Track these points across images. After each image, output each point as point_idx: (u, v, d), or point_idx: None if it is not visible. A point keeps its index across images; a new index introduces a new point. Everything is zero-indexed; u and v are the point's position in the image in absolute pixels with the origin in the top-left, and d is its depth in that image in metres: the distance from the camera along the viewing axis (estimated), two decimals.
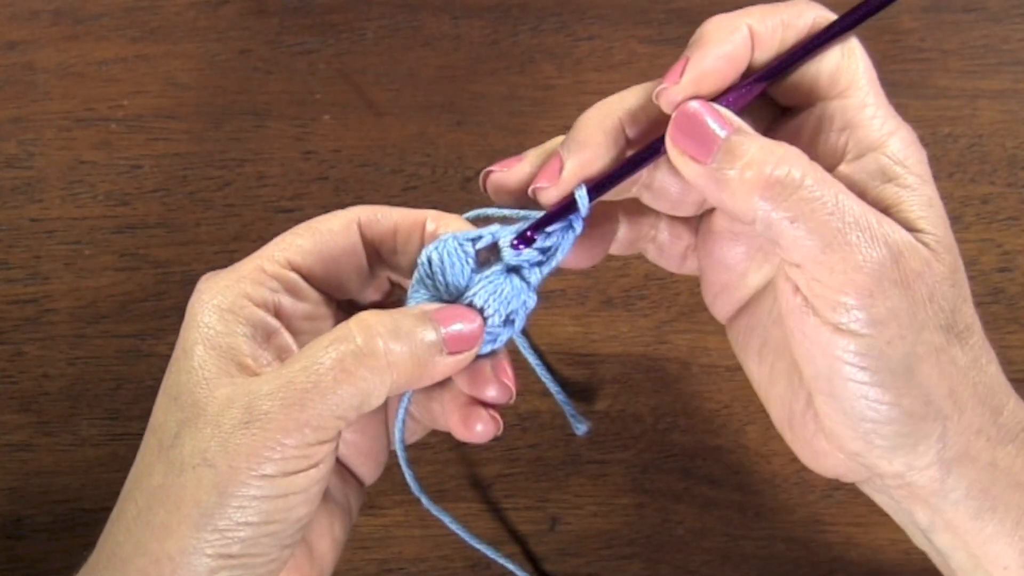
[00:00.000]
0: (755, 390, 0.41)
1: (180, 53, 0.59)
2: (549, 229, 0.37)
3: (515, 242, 0.37)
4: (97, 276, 0.55)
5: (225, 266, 0.37)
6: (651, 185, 0.38)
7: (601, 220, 0.40)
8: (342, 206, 0.39)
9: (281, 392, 0.33)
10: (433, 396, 0.40)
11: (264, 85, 0.58)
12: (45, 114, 0.58)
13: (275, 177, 0.57)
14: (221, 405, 0.34)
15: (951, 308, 0.34)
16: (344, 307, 0.40)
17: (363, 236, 0.38)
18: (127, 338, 0.54)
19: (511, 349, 0.40)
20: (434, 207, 0.39)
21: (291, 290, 0.37)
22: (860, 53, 0.35)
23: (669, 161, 0.36)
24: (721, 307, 0.42)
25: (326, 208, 0.39)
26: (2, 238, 0.56)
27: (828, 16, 0.35)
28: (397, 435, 0.40)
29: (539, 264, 0.38)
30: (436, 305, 0.37)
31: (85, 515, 0.52)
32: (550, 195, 0.37)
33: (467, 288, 0.38)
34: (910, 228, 0.34)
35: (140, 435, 0.36)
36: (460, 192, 0.57)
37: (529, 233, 0.37)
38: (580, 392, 0.54)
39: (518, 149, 0.38)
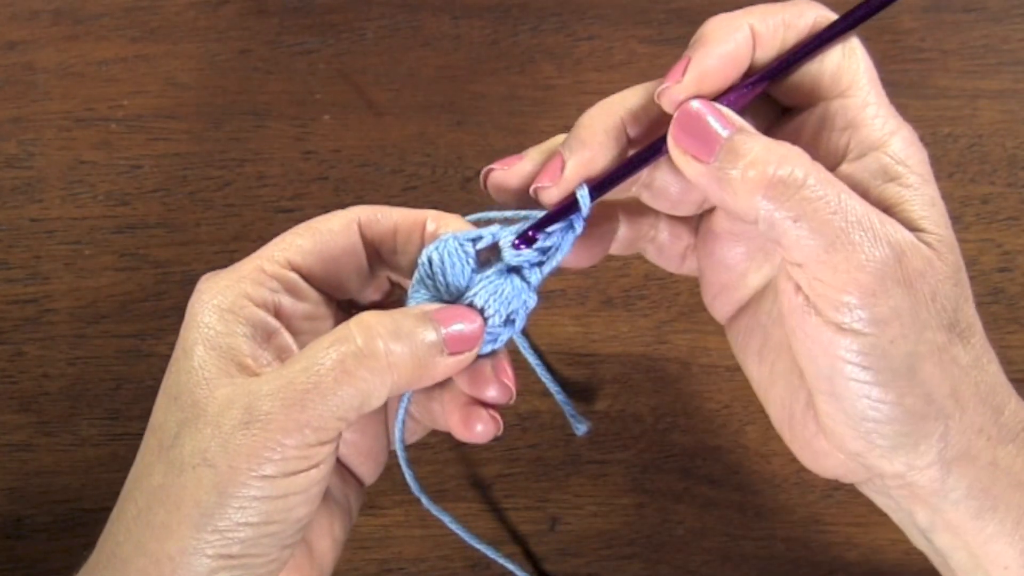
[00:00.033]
0: (754, 391, 0.41)
1: (180, 53, 0.59)
2: (550, 229, 0.37)
3: (516, 242, 0.37)
4: (97, 276, 0.55)
5: (225, 266, 0.37)
6: (651, 184, 0.38)
7: (601, 220, 0.40)
8: (342, 206, 0.39)
9: (281, 393, 0.33)
10: (433, 396, 0.40)
11: (264, 85, 0.58)
12: (45, 114, 0.58)
13: (275, 177, 0.57)
14: (221, 405, 0.33)
15: (953, 307, 0.34)
16: (344, 307, 0.40)
17: (363, 236, 0.38)
18: (127, 338, 0.54)
19: (511, 349, 0.40)
20: (434, 207, 0.39)
21: (291, 290, 0.37)
22: (861, 53, 0.35)
23: (670, 160, 0.36)
24: (721, 307, 0.42)
25: (326, 208, 0.39)
26: (2, 238, 0.56)
27: (829, 16, 0.36)
28: (397, 435, 0.40)
29: (539, 264, 0.38)
30: (436, 305, 0.37)
31: (85, 515, 0.52)
32: (552, 194, 0.37)
33: (467, 288, 0.37)
34: (912, 228, 0.34)
35: (140, 435, 0.36)
36: (460, 192, 0.57)
37: (531, 233, 0.37)
38: (580, 392, 0.54)
39: (518, 149, 0.38)
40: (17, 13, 0.59)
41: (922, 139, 0.36)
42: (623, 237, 0.41)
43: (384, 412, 0.41)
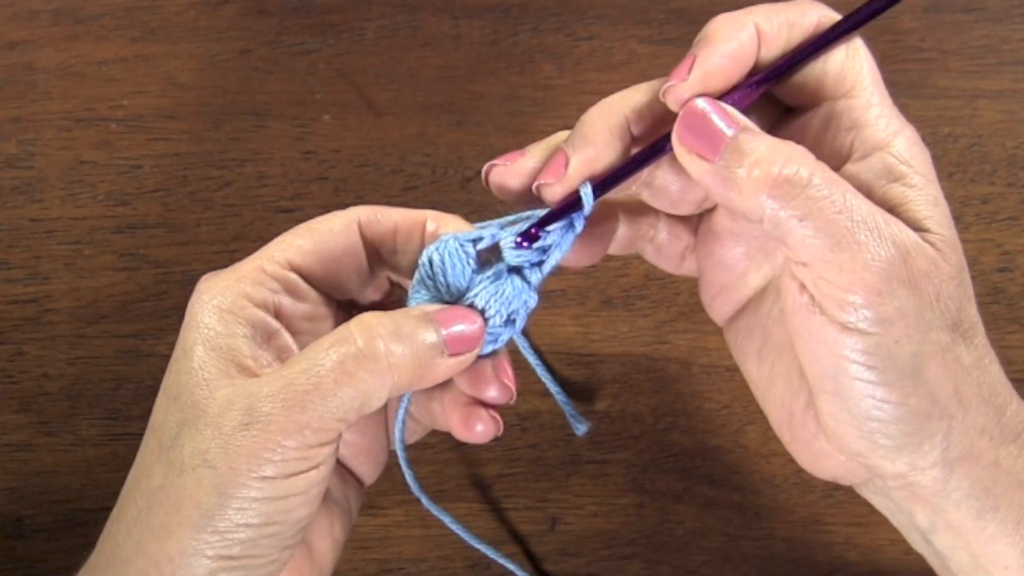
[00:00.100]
0: (753, 392, 0.41)
1: (180, 53, 0.59)
2: (551, 227, 0.37)
3: (519, 240, 0.37)
4: (97, 276, 0.55)
5: (225, 266, 0.37)
6: (652, 183, 0.38)
7: (601, 219, 0.40)
8: (342, 206, 0.39)
9: (282, 394, 0.33)
10: (433, 396, 0.40)
11: (264, 85, 0.58)
12: (45, 114, 0.58)
13: (275, 177, 0.57)
14: (221, 406, 0.33)
15: (957, 308, 0.34)
16: (344, 307, 0.40)
17: (363, 236, 0.38)
18: (127, 338, 0.54)
19: (511, 349, 0.40)
20: (434, 207, 0.39)
21: (291, 290, 0.37)
22: (864, 53, 0.35)
23: (672, 159, 0.36)
24: (720, 308, 0.42)
25: (326, 208, 0.39)
26: (2, 238, 0.56)
27: (832, 16, 0.36)
28: (397, 435, 0.40)
29: (540, 264, 0.38)
30: (437, 306, 0.37)
31: (85, 515, 0.52)
32: (555, 192, 0.37)
33: (468, 289, 0.37)
34: (916, 227, 0.34)
35: (140, 435, 0.36)
36: (460, 192, 0.57)
37: (533, 230, 0.37)
38: (580, 392, 0.54)
39: (518, 149, 0.38)
40: (17, 13, 0.59)
41: (922, 139, 0.36)
42: (622, 236, 0.41)
43: (384, 412, 0.41)
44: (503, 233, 0.38)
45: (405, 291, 0.39)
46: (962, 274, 0.34)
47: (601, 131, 0.36)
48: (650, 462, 0.53)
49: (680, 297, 0.55)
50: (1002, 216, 0.56)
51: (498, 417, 0.38)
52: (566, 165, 0.36)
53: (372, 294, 0.41)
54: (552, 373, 0.50)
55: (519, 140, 0.56)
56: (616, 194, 0.38)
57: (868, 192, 0.34)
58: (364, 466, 0.41)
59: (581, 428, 0.47)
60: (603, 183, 0.36)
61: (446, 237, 0.37)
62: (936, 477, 0.34)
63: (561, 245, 0.37)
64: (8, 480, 0.53)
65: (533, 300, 0.38)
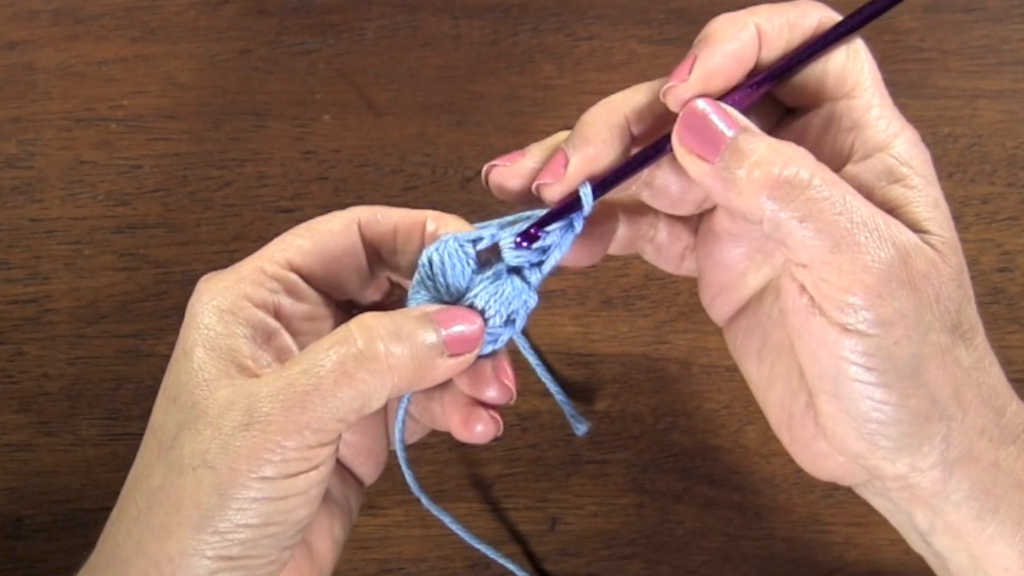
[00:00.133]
0: (753, 392, 0.41)
1: (180, 53, 0.59)
2: (551, 227, 0.37)
3: (519, 240, 0.37)
4: (97, 276, 0.55)
5: (225, 266, 0.37)
6: (652, 183, 0.38)
7: (600, 219, 0.40)
8: (342, 206, 0.39)
9: (281, 394, 0.33)
10: (433, 396, 0.39)
11: (264, 85, 0.58)
12: (45, 114, 0.58)
13: (275, 177, 0.57)
14: (221, 407, 0.33)
15: (956, 309, 0.34)
16: (344, 307, 0.40)
17: (363, 236, 0.38)
18: (127, 338, 0.54)
19: (511, 349, 0.40)
20: (434, 207, 0.39)
21: (291, 291, 0.37)
22: (865, 54, 0.35)
23: (672, 159, 0.36)
24: (719, 308, 0.42)
25: (326, 208, 0.39)
26: (2, 238, 0.56)
27: (833, 16, 0.35)
28: (397, 435, 0.40)
29: (539, 264, 0.38)
30: (437, 307, 0.37)
31: (85, 515, 0.52)
32: (554, 191, 0.37)
33: (468, 289, 0.37)
34: (916, 229, 0.34)
35: (140, 435, 0.36)
36: (460, 192, 0.57)
37: (533, 231, 0.37)
38: (580, 392, 0.54)
39: (518, 149, 0.38)
40: (17, 13, 0.59)
41: (922, 139, 0.36)
42: (622, 236, 0.41)
43: (384, 412, 0.41)
44: (503, 233, 0.38)
45: (405, 291, 0.39)
46: (962, 275, 0.34)
47: (601, 131, 0.36)
48: (650, 462, 0.53)
49: (680, 297, 0.55)
50: (1002, 216, 0.56)
51: (498, 417, 0.38)
52: (566, 165, 0.36)
53: (372, 294, 0.41)
54: (552, 373, 0.50)
55: (519, 140, 0.56)
56: (616, 194, 0.38)
57: (868, 193, 0.34)
58: (364, 466, 0.41)
59: (581, 428, 0.47)
60: (603, 183, 0.36)
61: (446, 237, 0.37)
62: (936, 478, 0.34)
63: (561, 245, 0.37)
64: (8, 480, 0.53)
65: (533, 300, 0.38)
